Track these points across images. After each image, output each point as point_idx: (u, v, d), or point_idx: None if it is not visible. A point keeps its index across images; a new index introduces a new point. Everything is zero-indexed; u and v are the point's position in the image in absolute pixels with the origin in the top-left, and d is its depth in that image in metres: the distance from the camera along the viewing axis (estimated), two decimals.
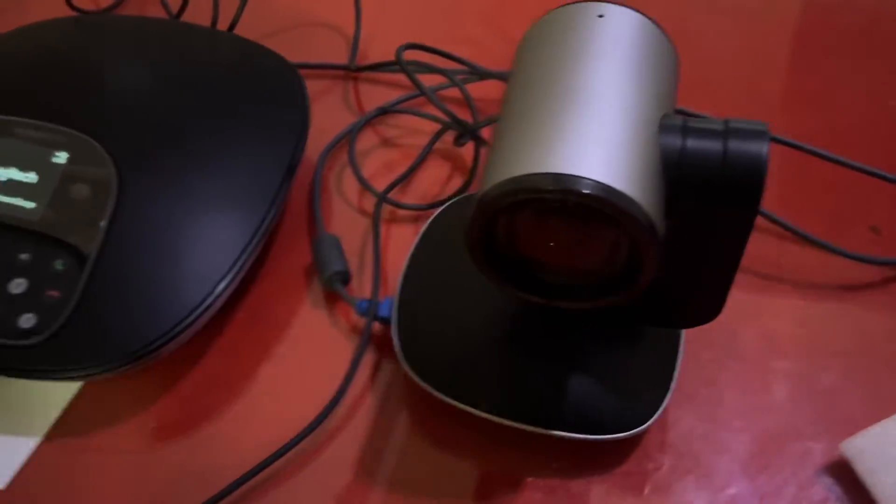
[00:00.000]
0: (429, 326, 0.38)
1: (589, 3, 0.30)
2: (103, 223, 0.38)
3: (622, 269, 0.29)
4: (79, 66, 0.45)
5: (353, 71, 0.54)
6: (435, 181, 0.48)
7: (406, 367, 0.37)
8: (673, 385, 0.36)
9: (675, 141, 0.27)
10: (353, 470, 0.37)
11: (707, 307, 0.33)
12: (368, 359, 0.40)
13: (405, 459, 0.37)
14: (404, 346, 0.37)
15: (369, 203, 0.47)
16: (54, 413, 0.39)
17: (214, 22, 0.52)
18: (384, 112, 0.50)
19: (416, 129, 0.51)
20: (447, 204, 0.43)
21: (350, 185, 0.48)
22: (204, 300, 0.38)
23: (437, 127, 0.48)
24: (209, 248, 0.39)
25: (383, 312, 0.40)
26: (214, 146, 0.42)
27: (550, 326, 0.36)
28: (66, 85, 0.44)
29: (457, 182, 0.48)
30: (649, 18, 0.31)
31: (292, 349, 0.41)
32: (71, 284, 0.37)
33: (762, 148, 0.26)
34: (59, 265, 0.38)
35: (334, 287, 0.42)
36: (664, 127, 0.28)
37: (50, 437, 0.38)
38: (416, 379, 0.36)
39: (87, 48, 0.47)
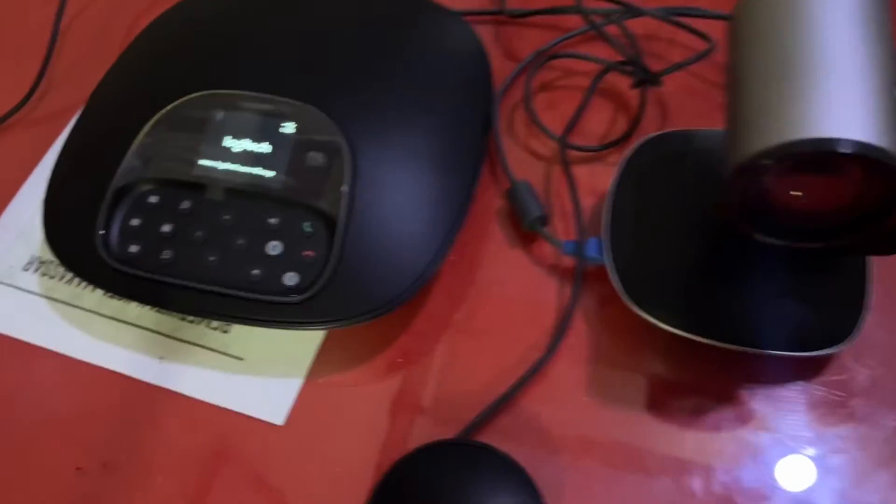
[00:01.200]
0: (645, 263, 0.42)
1: None
2: (345, 187, 0.42)
3: (865, 212, 0.33)
4: (275, 32, 0.48)
5: (508, 16, 0.56)
6: (598, 122, 0.52)
7: (628, 302, 0.41)
8: (868, 303, 0.40)
9: None
10: (584, 394, 0.42)
11: None
12: (564, 287, 0.45)
13: (629, 387, 0.42)
14: (624, 282, 0.42)
15: (539, 145, 0.51)
16: (310, 356, 0.45)
17: None
18: (554, 57, 0.53)
19: (570, 71, 0.54)
20: (638, 144, 0.46)
21: (518, 129, 0.52)
22: (439, 250, 0.43)
23: (594, 68, 0.51)
24: (435, 203, 0.44)
25: (591, 252, 0.44)
26: (420, 105, 0.46)
27: (757, 257, 0.41)
28: (269, 53, 0.47)
29: (621, 122, 0.51)
30: None
31: (503, 288, 0.46)
32: (325, 245, 0.42)
33: None
34: (307, 227, 0.43)
35: (538, 230, 0.46)
36: None
37: (310, 376, 0.44)
38: (640, 312, 0.41)
39: (274, 13, 0.50)
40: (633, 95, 0.52)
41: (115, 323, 0.47)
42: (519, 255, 0.47)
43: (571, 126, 0.50)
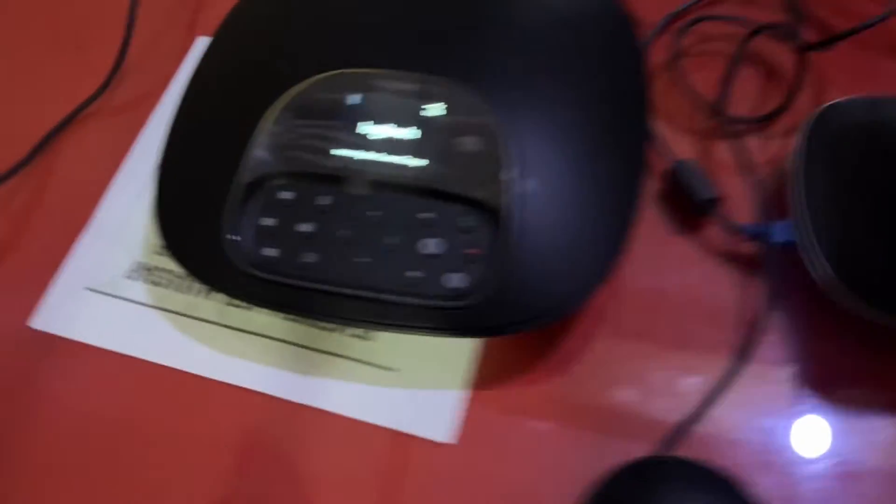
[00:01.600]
0: (854, 246, 0.38)
1: None
2: (507, 174, 0.37)
3: None
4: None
5: None
6: (745, 92, 0.47)
7: (843, 292, 0.37)
8: None
9: None
10: (787, 402, 0.38)
11: None
12: (752, 281, 0.40)
13: (846, 390, 0.38)
14: (839, 271, 0.37)
15: (685, 119, 0.46)
16: (469, 362, 0.40)
17: None
18: (701, 19, 0.48)
19: (706, 35, 0.49)
20: (818, 113, 0.41)
21: (661, 101, 0.47)
22: (619, 242, 0.38)
23: (732, 31, 0.47)
24: (607, 189, 0.39)
25: (780, 236, 0.39)
26: (575, 78, 0.41)
27: None
28: (402, 23, 0.42)
29: (775, 92, 0.47)
30: None
31: (673, 282, 0.42)
32: (488, 240, 0.37)
33: None
34: (467, 222, 0.38)
35: (712, 214, 0.41)
36: None
37: (472, 386, 0.39)
38: (853, 300, 0.37)
39: None
40: (781, 61, 0.47)
41: (240, 334, 0.42)
42: (687, 243, 0.43)
43: (725, 96, 0.46)
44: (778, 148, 0.45)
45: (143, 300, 0.43)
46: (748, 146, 0.44)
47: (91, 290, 0.43)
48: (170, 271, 0.44)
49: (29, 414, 0.40)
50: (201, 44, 0.52)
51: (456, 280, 0.37)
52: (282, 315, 0.41)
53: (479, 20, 0.41)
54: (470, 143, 0.38)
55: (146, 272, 0.44)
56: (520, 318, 0.37)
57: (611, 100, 0.41)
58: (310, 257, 0.38)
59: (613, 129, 0.40)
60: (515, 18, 0.42)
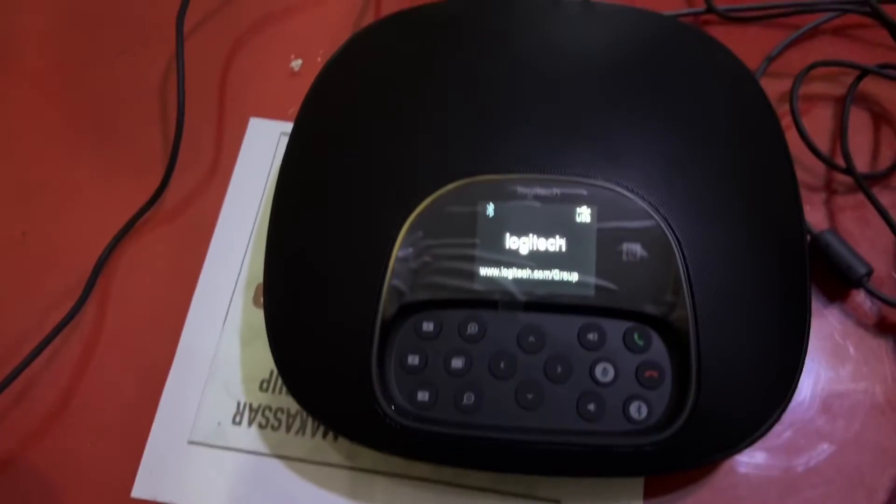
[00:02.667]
0: None
1: None
2: (685, 285, 0.34)
3: None
4: (525, 84, 0.38)
5: (716, 14, 0.48)
6: (861, 140, 0.45)
7: None
8: None
9: None
10: None
11: None
12: None
13: None
14: None
15: (808, 177, 0.43)
16: (639, 488, 0.37)
17: None
18: (817, 65, 0.44)
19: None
20: None
21: None
22: (800, 355, 0.35)
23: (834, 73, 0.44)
24: (780, 293, 0.35)
25: None
26: (730, 169, 0.37)
27: None
28: (530, 117, 0.37)
29: (890, 143, 0.44)
30: None
31: (830, 366, 0.39)
32: (672, 363, 0.34)
33: None
34: (639, 340, 0.34)
35: (868, 288, 0.39)
36: None
37: None
38: None
39: (514, 45, 0.40)
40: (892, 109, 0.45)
41: (377, 477, 0.37)
42: (837, 319, 0.40)
43: (846, 151, 0.43)
44: None
45: (256, 448, 0.38)
46: (853, 201, 0.42)
47: (194, 443, 0.38)
48: (281, 409, 0.39)
49: None
50: (255, 127, 0.46)
51: (634, 410, 0.33)
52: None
53: (618, 113, 0.37)
54: (633, 250, 0.34)
55: (252, 413, 0.39)
56: (713, 448, 0.33)
57: (767, 185, 0.37)
58: (468, 398, 0.34)
59: (775, 217, 0.37)
60: (657, 108, 0.38)
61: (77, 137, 0.47)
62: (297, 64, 0.48)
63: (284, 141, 0.44)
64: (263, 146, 0.45)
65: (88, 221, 0.44)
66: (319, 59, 0.48)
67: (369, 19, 0.49)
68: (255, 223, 0.43)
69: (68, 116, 0.47)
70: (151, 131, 0.47)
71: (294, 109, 0.45)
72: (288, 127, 0.45)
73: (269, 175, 0.45)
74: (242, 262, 0.42)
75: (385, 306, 0.34)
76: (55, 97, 0.48)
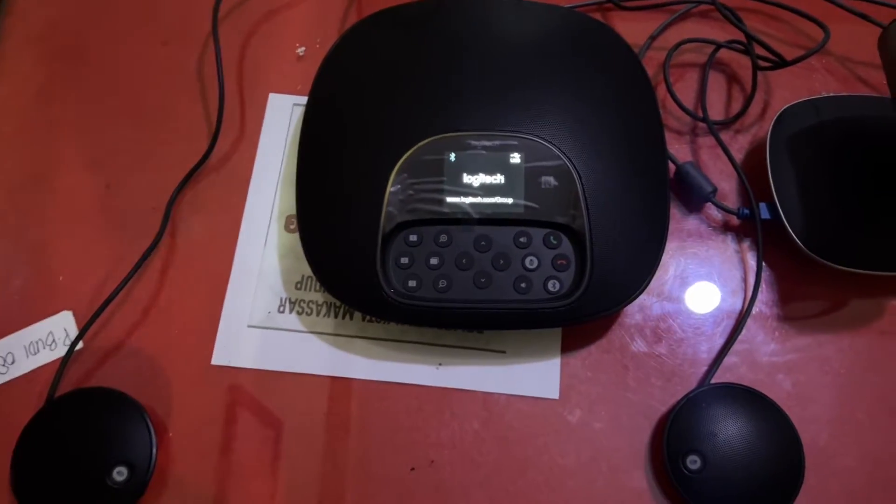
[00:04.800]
0: (814, 217, 0.54)
1: None
2: (582, 203, 0.51)
3: None
4: (464, 68, 0.55)
5: (614, 4, 0.64)
6: (716, 97, 0.62)
7: (807, 251, 0.53)
8: None
9: None
10: (782, 335, 0.55)
11: None
12: (748, 248, 0.57)
13: (817, 317, 0.55)
14: (802, 236, 0.53)
15: (678, 125, 0.61)
16: (558, 339, 0.55)
17: None
18: (685, 42, 0.61)
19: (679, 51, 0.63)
20: (781, 112, 0.56)
21: None
22: (662, 242, 0.52)
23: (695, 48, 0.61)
24: (649, 206, 0.53)
25: (764, 214, 0.55)
26: (610, 116, 0.54)
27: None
28: (472, 91, 0.54)
29: (737, 98, 0.62)
30: None
31: (688, 255, 0.57)
32: (572, 253, 0.51)
33: None
34: (553, 240, 0.51)
35: (714, 201, 0.57)
36: None
37: (562, 355, 0.54)
38: (817, 258, 0.53)
39: (465, 37, 0.56)
40: (739, 74, 0.62)
41: (380, 342, 0.55)
42: (696, 224, 0.58)
43: (704, 106, 0.60)
44: (744, 141, 0.60)
45: (297, 328, 0.55)
46: (710, 142, 0.60)
47: (252, 326, 0.55)
48: (312, 302, 0.56)
49: (232, 426, 0.52)
50: (274, 101, 0.61)
51: (555, 285, 0.51)
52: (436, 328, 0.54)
53: (536, 85, 0.54)
54: (549, 181, 0.51)
55: (291, 305, 0.56)
56: (603, 307, 0.51)
57: (638, 130, 0.54)
58: (443, 283, 0.51)
59: (646, 153, 0.54)
60: (563, 80, 0.54)
61: (136, 112, 0.62)
62: (301, 50, 0.63)
63: (296, 110, 0.61)
64: (281, 115, 0.61)
65: (153, 176, 0.59)
66: (318, 46, 0.63)
67: (352, 15, 0.65)
68: (280, 171, 0.59)
69: (129, 97, 0.62)
70: (193, 107, 0.62)
71: (301, 86, 0.62)
72: (298, 100, 0.61)
73: (287, 135, 0.60)
74: (274, 199, 0.58)
75: (384, 225, 0.51)
76: (116, 81, 0.63)
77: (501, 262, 0.51)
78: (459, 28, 0.57)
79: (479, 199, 0.51)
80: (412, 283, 0.51)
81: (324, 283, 0.52)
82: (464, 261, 0.51)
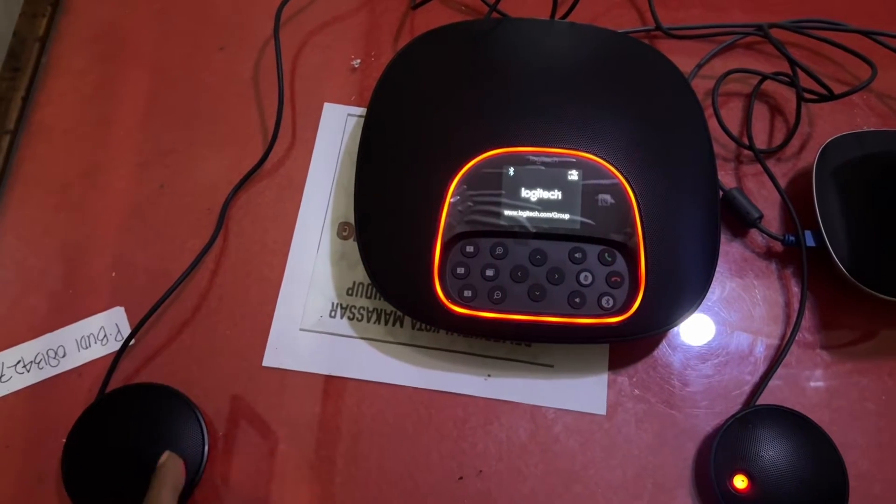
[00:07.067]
0: (859, 246, 0.55)
1: None
2: (637, 221, 0.52)
3: None
4: (527, 77, 0.56)
5: (662, 31, 0.66)
6: (761, 126, 0.63)
7: (851, 279, 0.54)
8: None
9: None
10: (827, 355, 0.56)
11: None
12: (792, 274, 0.58)
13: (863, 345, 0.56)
14: (847, 265, 0.54)
15: (723, 151, 0.62)
16: (606, 355, 0.55)
17: (553, 13, 0.63)
18: (732, 72, 0.63)
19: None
20: (827, 144, 0.58)
21: None
22: (713, 262, 0.53)
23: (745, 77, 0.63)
24: (701, 221, 0.54)
25: (809, 242, 0.56)
26: (666, 137, 0.55)
27: None
28: (532, 110, 0.55)
29: (779, 129, 0.63)
30: None
31: (735, 278, 0.58)
32: (626, 270, 0.52)
33: None
34: (608, 257, 0.52)
35: (760, 227, 0.58)
36: None
37: (609, 372, 0.55)
38: (861, 286, 0.54)
39: (522, 55, 0.57)
40: (782, 105, 0.64)
41: (430, 351, 0.55)
42: (742, 248, 0.59)
43: (750, 134, 0.62)
44: (786, 171, 0.61)
45: (348, 333, 0.56)
46: (753, 170, 0.61)
47: (303, 330, 0.55)
48: (363, 308, 0.56)
49: (281, 428, 0.53)
50: (329, 110, 0.62)
51: (605, 302, 0.52)
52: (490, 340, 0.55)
53: (592, 105, 0.55)
54: (605, 199, 0.53)
55: (343, 310, 0.56)
56: (655, 325, 0.52)
57: (693, 154, 0.56)
58: (497, 295, 0.52)
59: (697, 176, 0.55)
60: (618, 101, 0.56)
61: (192, 116, 0.63)
62: (356, 62, 0.64)
63: (350, 120, 0.62)
64: (336, 124, 0.62)
65: (207, 178, 0.60)
66: (373, 59, 0.65)
67: (406, 29, 0.66)
68: (333, 179, 0.60)
69: (184, 99, 0.63)
70: (248, 112, 0.63)
71: (356, 97, 0.63)
72: (353, 110, 0.62)
73: (341, 144, 0.61)
74: (327, 207, 0.59)
75: (442, 235, 0.52)
76: (171, 84, 0.64)
77: (556, 276, 0.52)
78: (517, 47, 0.58)
79: (536, 214, 0.52)
80: (468, 293, 0.52)
81: (380, 290, 0.53)
82: (519, 273, 0.52)
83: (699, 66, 0.64)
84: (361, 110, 0.62)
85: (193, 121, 0.62)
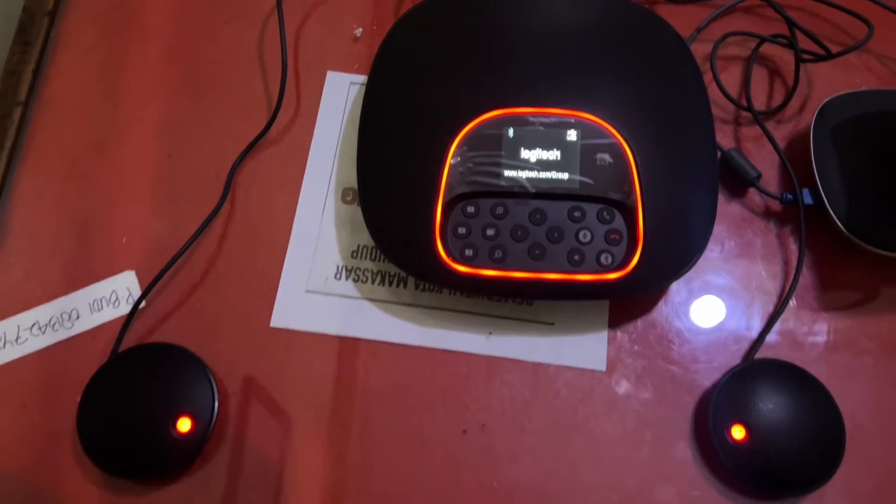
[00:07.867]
0: (855, 203, 0.56)
1: None
2: (635, 180, 0.53)
3: None
4: (526, 48, 0.57)
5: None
6: (759, 88, 0.64)
7: (848, 234, 0.55)
8: None
9: None
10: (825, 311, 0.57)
11: None
12: (790, 232, 0.58)
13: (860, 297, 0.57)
14: (844, 221, 0.55)
15: (722, 113, 0.63)
16: (605, 313, 0.56)
17: None
18: (730, 35, 0.63)
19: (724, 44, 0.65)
20: (825, 103, 0.58)
21: None
22: (710, 220, 0.54)
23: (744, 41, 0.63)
24: (699, 180, 0.55)
25: (807, 200, 0.57)
26: (663, 99, 0.56)
27: None
28: (531, 71, 0.56)
29: (778, 91, 0.64)
30: None
31: (734, 236, 0.59)
32: (624, 228, 0.53)
33: None
34: (607, 215, 0.53)
35: (759, 186, 0.58)
36: None
37: (609, 328, 0.56)
38: (858, 241, 0.55)
39: (521, 20, 0.58)
40: (780, 68, 0.64)
41: (433, 311, 0.56)
42: (740, 207, 0.60)
43: (748, 96, 0.62)
44: (784, 132, 0.62)
45: (353, 294, 0.57)
46: (752, 132, 0.62)
47: (310, 291, 0.57)
48: (367, 270, 0.57)
49: (289, 386, 0.54)
50: (332, 78, 0.64)
51: (607, 258, 0.53)
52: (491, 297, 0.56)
53: (591, 67, 0.56)
54: (604, 158, 0.53)
55: (347, 272, 0.57)
56: (654, 282, 0.53)
57: (690, 115, 0.56)
58: (498, 253, 0.53)
59: (695, 136, 0.56)
60: (617, 63, 0.57)
61: (198, 87, 0.64)
62: (358, 31, 0.65)
63: (353, 88, 0.63)
64: (338, 92, 0.63)
65: (214, 147, 0.61)
66: (375, 28, 0.66)
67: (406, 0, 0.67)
68: (337, 146, 0.61)
69: (191, 71, 0.64)
70: (254, 82, 0.64)
71: (358, 66, 0.64)
72: (355, 78, 0.63)
73: (344, 112, 0.62)
74: (331, 172, 0.60)
75: (443, 195, 0.53)
76: (178, 56, 0.65)
77: (556, 234, 0.53)
78: (516, 12, 0.59)
79: (535, 174, 0.53)
80: (469, 253, 0.53)
81: (384, 251, 0.54)
82: (519, 232, 0.53)
83: (698, 30, 0.65)
84: (364, 78, 0.63)
85: (200, 92, 0.64)
